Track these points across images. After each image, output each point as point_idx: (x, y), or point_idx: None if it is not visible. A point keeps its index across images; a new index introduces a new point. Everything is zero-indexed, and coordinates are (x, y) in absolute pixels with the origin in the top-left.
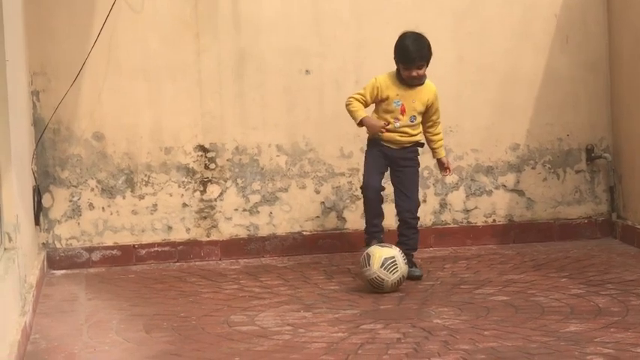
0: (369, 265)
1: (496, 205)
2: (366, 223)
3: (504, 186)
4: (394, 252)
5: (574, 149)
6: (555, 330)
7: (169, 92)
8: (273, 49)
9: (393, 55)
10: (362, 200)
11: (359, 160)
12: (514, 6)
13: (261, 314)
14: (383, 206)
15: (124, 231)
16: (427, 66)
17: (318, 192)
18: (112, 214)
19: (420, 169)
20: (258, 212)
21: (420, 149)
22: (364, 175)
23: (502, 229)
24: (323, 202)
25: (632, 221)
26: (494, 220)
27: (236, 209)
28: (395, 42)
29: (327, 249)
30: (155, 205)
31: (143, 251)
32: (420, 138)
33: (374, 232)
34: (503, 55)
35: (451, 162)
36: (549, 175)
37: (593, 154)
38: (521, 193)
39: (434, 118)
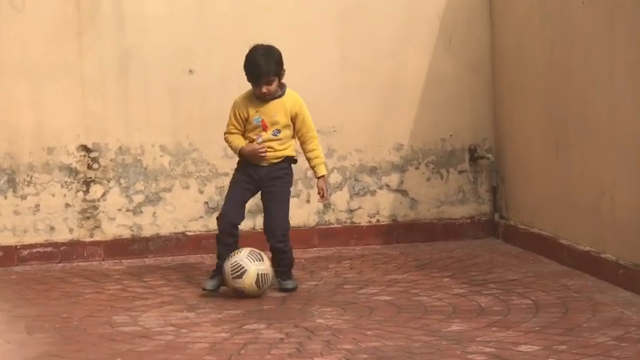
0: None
1: (380, 205)
2: (218, 258)
3: (388, 186)
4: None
5: (457, 149)
6: (438, 329)
7: (51, 92)
8: (157, 48)
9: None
10: None
11: None
12: (398, 8)
13: (144, 315)
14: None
15: (6, 231)
16: (280, 79)
17: (201, 192)
18: None
19: (291, 187)
20: (141, 212)
21: (292, 165)
22: (224, 205)
23: (386, 229)
24: (207, 202)
25: (514, 221)
26: (378, 220)
27: (119, 209)
28: (243, 56)
29: (211, 249)
30: (37, 206)
31: (25, 252)
32: (290, 153)
33: (216, 269)
34: (387, 57)
35: (332, 165)
36: (433, 175)
37: (475, 155)
38: (404, 193)
39: (303, 131)
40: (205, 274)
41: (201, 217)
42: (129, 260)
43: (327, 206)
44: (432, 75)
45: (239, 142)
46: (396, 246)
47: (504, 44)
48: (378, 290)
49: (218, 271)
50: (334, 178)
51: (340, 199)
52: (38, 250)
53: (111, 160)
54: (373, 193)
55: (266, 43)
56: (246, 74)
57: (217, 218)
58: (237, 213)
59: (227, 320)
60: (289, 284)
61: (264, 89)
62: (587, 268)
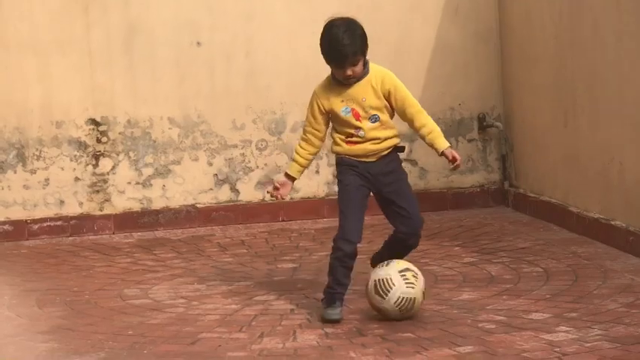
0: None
1: None
2: (328, 284)
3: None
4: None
5: (466, 118)
6: (448, 298)
7: (59, 67)
8: (164, 21)
9: (289, 29)
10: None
11: (251, 131)
12: None
13: (154, 287)
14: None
15: (16, 206)
16: (365, 56)
17: (211, 164)
18: (3, 189)
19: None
20: (151, 185)
21: (400, 154)
22: (341, 224)
23: None
24: (216, 175)
25: (524, 189)
26: None
27: (129, 182)
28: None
29: (220, 221)
30: (47, 180)
31: (35, 226)
32: (397, 140)
33: (334, 294)
34: (394, 27)
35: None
36: None
37: (484, 123)
38: (414, 162)
39: (406, 108)
40: (216, 247)
41: (211, 189)
42: (139, 233)
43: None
44: (439, 45)
45: (295, 168)
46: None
47: (513, 13)
48: None
49: (339, 297)
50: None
51: None
52: (48, 224)
53: (120, 134)
54: None
55: (271, 14)
56: (325, 56)
57: (334, 240)
58: (359, 229)
59: (237, 292)
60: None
61: (349, 71)
62: (597, 235)
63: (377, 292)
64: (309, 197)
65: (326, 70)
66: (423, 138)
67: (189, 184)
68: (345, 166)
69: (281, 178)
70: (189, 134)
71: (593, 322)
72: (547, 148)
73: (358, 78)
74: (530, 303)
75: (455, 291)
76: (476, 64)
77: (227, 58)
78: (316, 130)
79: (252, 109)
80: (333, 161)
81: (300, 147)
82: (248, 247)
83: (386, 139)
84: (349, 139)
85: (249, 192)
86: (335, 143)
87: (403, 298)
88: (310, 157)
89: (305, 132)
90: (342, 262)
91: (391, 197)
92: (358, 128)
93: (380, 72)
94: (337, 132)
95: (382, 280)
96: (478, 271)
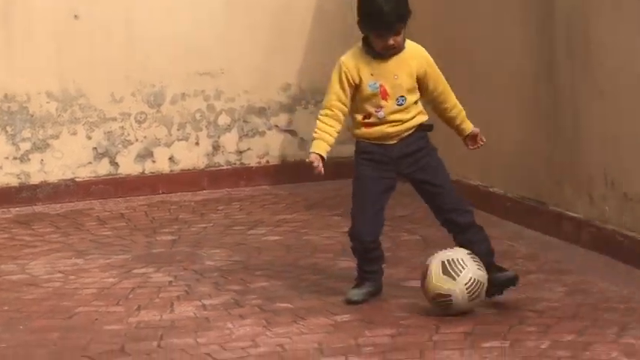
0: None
1: (269, 146)
2: (358, 266)
3: (277, 126)
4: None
5: None
6: (326, 268)
7: None
8: None
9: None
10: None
11: (130, 104)
12: None
13: (31, 262)
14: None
15: None
16: (406, 26)
17: (90, 138)
18: None
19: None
20: (29, 160)
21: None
22: (353, 216)
23: (275, 169)
24: (95, 148)
25: None
26: (267, 161)
27: (6, 158)
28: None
29: (100, 195)
30: None
31: None
32: (423, 118)
33: (368, 276)
34: None
35: (221, 107)
36: None
37: None
38: (293, 133)
39: (439, 89)
40: (95, 220)
41: (90, 162)
42: (17, 209)
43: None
44: (318, 14)
45: (320, 144)
46: (285, 186)
47: None
48: (267, 231)
49: (369, 278)
50: (223, 119)
51: (229, 140)
52: None
53: None
54: (262, 134)
55: None
56: (364, 22)
57: (350, 234)
58: (375, 225)
59: (115, 265)
60: (511, 278)
61: (392, 41)
62: (476, 202)
63: (446, 272)
64: (188, 169)
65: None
66: (451, 119)
67: (68, 159)
68: (361, 154)
69: (311, 156)
70: (67, 108)
71: None
72: None
73: (396, 51)
74: (408, 271)
75: (333, 260)
76: (358, 32)
77: (106, 32)
78: (344, 104)
79: (131, 82)
80: (213, 132)
81: (326, 124)
82: (127, 221)
83: (409, 120)
84: (366, 120)
85: (129, 165)
86: (354, 126)
87: (475, 280)
88: (337, 135)
89: (330, 107)
90: (361, 255)
91: (420, 176)
92: (380, 108)
93: (417, 49)
94: (356, 110)
95: (453, 260)
96: None
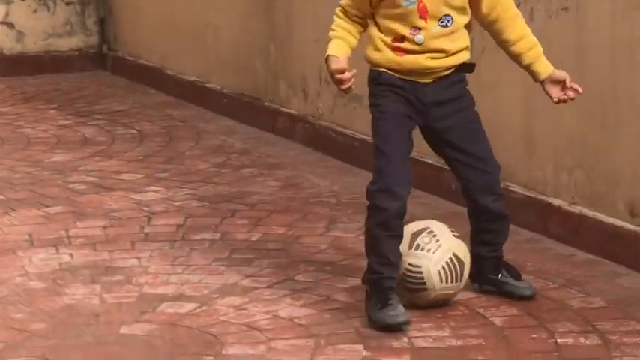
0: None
1: None
2: (370, 266)
3: None
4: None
5: None
6: (40, 160)
7: None
8: None
9: None
10: None
11: None
12: None
13: None
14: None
15: None
16: None
17: None
18: None
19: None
20: None
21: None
22: (381, 170)
23: None
24: None
25: (122, 53)
26: None
27: None
28: None
29: None
30: None
31: None
32: (467, 56)
33: (384, 283)
34: None
35: None
36: (40, 7)
37: None
38: (11, 25)
39: (499, 9)
40: None
41: None
42: None
43: None
44: None
45: (339, 44)
46: (2, 79)
47: None
48: None
49: (391, 287)
50: None
51: None
52: None
53: None
54: None
55: None
56: None
57: (367, 191)
58: (408, 178)
59: None
60: (527, 288)
61: None
62: (193, 98)
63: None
64: None
65: None
66: (516, 57)
67: None
68: (384, 85)
69: (333, 64)
70: None
71: (184, 182)
72: (146, 11)
73: None
74: (122, 164)
75: (47, 153)
76: None
77: None
78: (360, 11)
79: None
80: None
81: (343, 28)
82: None
83: (454, 53)
84: (397, 44)
85: None
86: (374, 47)
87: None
88: (359, 37)
89: (345, 8)
90: (387, 228)
91: (447, 137)
92: (417, 30)
93: None
94: (381, 30)
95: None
96: (72, 134)
